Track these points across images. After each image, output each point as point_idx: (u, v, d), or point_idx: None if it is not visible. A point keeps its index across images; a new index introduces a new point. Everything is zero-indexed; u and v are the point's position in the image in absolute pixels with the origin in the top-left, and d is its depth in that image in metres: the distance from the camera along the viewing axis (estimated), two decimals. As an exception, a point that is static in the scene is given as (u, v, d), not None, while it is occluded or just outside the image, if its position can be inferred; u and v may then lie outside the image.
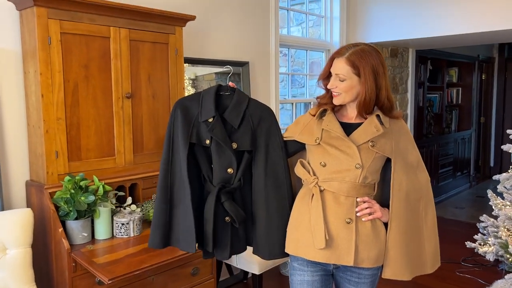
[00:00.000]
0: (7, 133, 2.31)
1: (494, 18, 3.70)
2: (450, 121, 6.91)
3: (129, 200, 2.46)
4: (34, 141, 2.27)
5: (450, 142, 6.57)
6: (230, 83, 1.74)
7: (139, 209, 2.45)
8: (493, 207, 2.98)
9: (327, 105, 1.69)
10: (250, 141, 1.67)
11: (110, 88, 2.40)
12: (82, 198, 2.15)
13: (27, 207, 2.34)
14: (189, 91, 3.11)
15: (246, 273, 3.46)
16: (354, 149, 1.58)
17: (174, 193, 1.70)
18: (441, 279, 3.55)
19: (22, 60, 2.30)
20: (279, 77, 3.86)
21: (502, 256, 2.82)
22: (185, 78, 3.03)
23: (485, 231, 3.06)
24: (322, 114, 1.69)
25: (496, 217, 2.95)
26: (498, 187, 3.03)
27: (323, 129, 1.65)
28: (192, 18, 2.74)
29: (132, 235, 2.33)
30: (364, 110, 1.61)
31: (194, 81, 3.21)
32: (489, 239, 2.90)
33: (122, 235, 2.31)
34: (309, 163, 1.69)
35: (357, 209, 1.59)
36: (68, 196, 2.14)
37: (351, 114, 1.69)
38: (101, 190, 2.25)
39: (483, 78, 7.30)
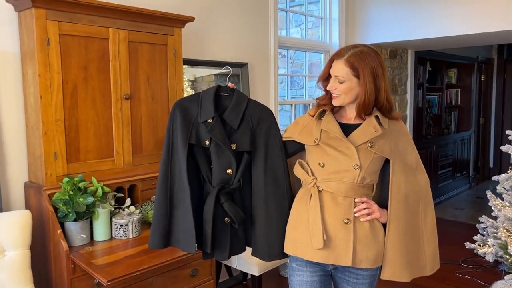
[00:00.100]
0: (6, 135, 2.31)
1: (493, 19, 3.71)
2: (449, 122, 6.92)
3: (128, 201, 2.46)
4: (33, 142, 2.26)
5: (450, 143, 6.57)
6: (230, 84, 1.74)
7: (138, 211, 2.45)
8: (493, 208, 2.97)
9: (326, 106, 1.70)
10: (249, 141, 1.67)
11: (109, 89, 2.40)
12: (81, 199, 2.15)
13: (26, 208, 2.33)
14: (188, 92, 3.11)
15: (245, 274, 3.45)
16: (352, 150, 1.58)
17: (174, 194, 1.70)
18: (441, 280, 3.54)
19: (21, 61, 2.30)
20: (278, 78, 3.86)
21: (501, 257, 2.81)
22: (184, 79, 3.03)
23: (484, 232, 3.05)
24: (321, 114, 1.70)
25: (495, 218, 2.95)
26: (497, 188, 3.02)
27: (322, 129, 1.65)
28: (191, 19, 2.74)
29: (131, 236, 2.32)
30: (363, 111, 1.61)
31: (194, 82, 3.21)
32: (489, 240, 2.89)
33: (121, 236, 2.31)
34: (308, 164, 1.69)
35: (355, 210, 1.59)
36: (67, 197, 2.14)
37: (350, 115, 1.69)
38: (100, 192, 2.24)
39: (482, 79, 7.31)
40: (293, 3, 4.68)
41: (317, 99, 1.75)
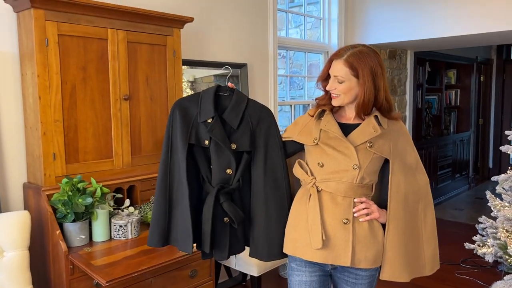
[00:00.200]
0: (5, 135, 2.31)
1: (492, 19, 3.71)
2: (448, 123, 6.92)
3: (127, 202, 2.45)
4: (32, 143, 2.26)
5: (449, 143, 6.58)
6: (229, 84, 1.74)
7: (137, 211, 2.44)
8: (492, 208, 2.97)
9: (325, 106, 1.70)
10: (249, 141, 1.67)
11: (108, 90, 2.40)
12: (80, 200, 2.15)
13: (25, 209, 2.33)
14: (187, 93, 3.11)
15: (245, 275, 3.45)
16: (351, 150, 1.58)
17: (173, 194, 1.70)
18: (440, 280, 3.54)
19: (20, 62, 2.29)
20: (278, 79, 3.86)
21: (501, 257, 2.81)
22: (184, 80, 3.03)
23: (484, 233, 3.05)
24: (321, 114, 1.70)
25: (495, 218, 2.95)
26: (496, 188, 3.02)
27: (321, 129, 1.65)
28: (190, 20, 2.74)
29: (130, 237, 2.32)
30: (363, 111, 1.61)
31: (193, 83, 3.21)
32: (488, 240, 2.89)
33: (120, 237, 2.31)
34: (307, 164, 1.69)
35: (354, 210, 1.59)
36: (66, 198, 2.13)
37: (349, 115, 1.69)
38: (98, 192, 2.24)
39: (482, 79, 7.31)
40: (292, 3, 4.68)
41: (316, 99, 1.76)
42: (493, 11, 3.69)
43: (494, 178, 3.01)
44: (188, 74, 3.15)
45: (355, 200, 1.60)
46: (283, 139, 1.75)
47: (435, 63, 6.32)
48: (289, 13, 4.32)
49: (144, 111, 2.57)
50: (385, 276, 1.60)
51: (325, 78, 1.68)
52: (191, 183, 1.66)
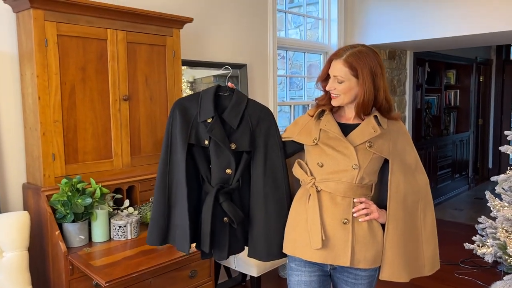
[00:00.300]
0: (4, 136, 2.31)
1: (492, 19, 3.71)
2: (448, 123, 6.92)
3: (127, 202, 2.45)
4: (31, 143, 2.26)
5: (449, 144, 6.58)
6: (229, 84, 1.74)
7: (136, 212, 2.44)
8: (491, 208, 2.97)
9: (325, 106, 1.70)
10: (248, 141, 1.67)
11: (107, 90, 2.40)
12: (79, 200, 2.15)
13: (24, 210, 2.33)
14: (187, 94, 3.11)
15: (244, 275, 3.45)
16: (351, 150, 1.58)
17: (172, 193, 1.70)
18: (440, 280, 3.54)
19: (19, 62, 2.29)
20: (277, 79, 3.86)
21: (500, 257, 2.81)
22: (183, 81, 3.03)
23: (483, 233, 3.05)
24: (321, 114, 1.70)
25: (494, 219, 2.95)
26: (496, 188, 3.02)
27: (321, 129, 1.65)
28: (190, 20, 2.74)
29: (129, 237, 2.32)
30: (362, 111, 1.61)
31: (193, 84, 3.21)
32: (488, 240, 2.89)
33: (119, 237, 2.30)
34: (306, 164, 1.69)
35: (353, 210, 1.59)
36: (65, 198, 2.13)
37: (349, 115, 1.69)
38: (98, 193, 2.24)
39: (481, 80, 7.32)
40: (292, 4, 4.68)
41: (316, 99, 1.76)
42: (492, 11, 3.69)
43: (493, 178, 3.01)
44: (188, 74, 3.15)
45: (355, 200, 1.60)
46: (283, 139, 1.75)
47: (434, 63, 6.33)
48: (289, 14, 4.32)
49: (143, 112, 2.57)
50: (384, 276, 1.60)
51: (325, 78, 1.68)
52: (190, 183, 1.66)
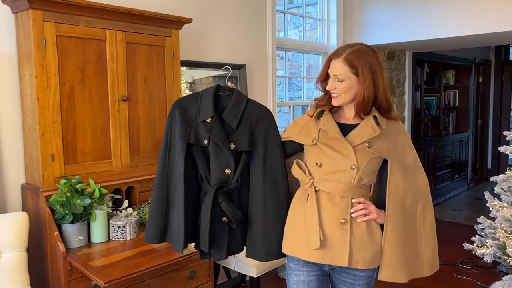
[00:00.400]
0: (3, 136, 2.30)
1: (491, 20, 3.71)
2: (447, 124, 6.92)
3: (126, 203, 2.45)
4: (30, 144, 2.26)
5: (448, 144, 6.58)
6: (229, 84, 1.74)
7: (135, 212, 2.44)
8: (491, 208, 2.97)
9: (325, 107, 1.70)
10: (248, 141, 1.67)
11: (106, 91, 2.40)
12: (78, 201, 2.14)
13: (23, 210, 2.32)
14: (186, 94, 3.11)
15: (244, 276, 3.45)
16: (350, 150, 1.58)
17: (171, 192, 1.71)
18: (439, 281, 3.54)
19: (18, 63, 2.29)
20: (277, 80, 3.86)
21: (500, 257, 2.81)
22: (182, 81, 3.03)
23: (482, 233, 3.05)
24: (320, 115, 1.70)
25: (493, 219, 2.95)
26: (495, 188, 3.02)
27: (320, 129, 1.65)
28: (189, 20, 2.74)
29: (128, 238, 2.31)
30: (362, 109, 1.61)
31: (192, 84, 3.21)
32: (487, 240, 2.89)
33: (118, 238, 2.30)
34: (305, 164, 1.69)
35: (352, 210, 1.59)
36: (64, 199, 2.13)
37: (348, 115, 1.69)
38: (97, 193, 2.24)
39: (480, 80, 7.32)
40: (291, 4, 4.68)
41: (315, 99, 1.75)
42: (491, 12, 3.70)
43: (492, 179, 3.01)
44: (187, 75, 3.15)
45: (353, 200, 1.60)
46: (282, 139, 1.75)
47: (433, 64, 6.33)
48: (288, 14, 4.32)
49: (142, 112, 2.57)
50: (383, 276, 1.60)
51: (324, 78, 1.68)
52: (188, 183, 1.66)
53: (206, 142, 1.66)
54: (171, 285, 2.39)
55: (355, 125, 1.64)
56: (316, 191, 1.61)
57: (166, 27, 2.64)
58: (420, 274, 1.66)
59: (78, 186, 2.18)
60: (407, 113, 5.39)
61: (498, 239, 2.79)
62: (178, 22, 2.70)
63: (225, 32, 3.38)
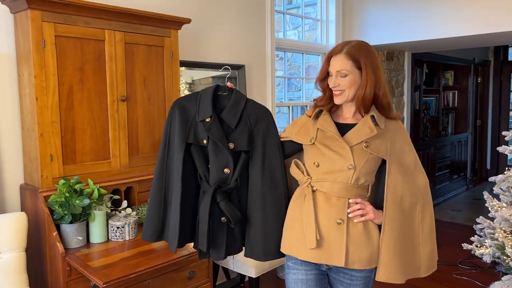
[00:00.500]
0: (1, 137, 2.30)
1: (489, 21, 3.72)
2: (446, 124, 6.93)
3: (125, 203, 2.45)
4: (29, 144, 2.25)
5: (447, 145, 6.58)
6: (228, 84, 1.74)
7: (134, 213, 2.44)
8: (490, 208, 2.97)
9: (323, 107, 1.69)
10: (247, 141, 1.67)
11: (105, 91, 2.39)
12: (77, 201, 2.14)
13: (22, 210, 2.32)
14: (185, 95, 3.11)
15: (243, 276, 3.44)
16: (347, 150, 1.58)
17: (169, 191, 1.71)
18: (438, 281, 3.54)
19: (16, 63, 2.29)
20: (276, 80, 3.86)
21: (499, 258, 2.81)
22: (182, 82, 3.03)
23: (481, 233, 3.05)
24: (318, 115, 1.70)
25: (492, 219, 2.95)
26: (494, 188, 3.02)
27: (318, 128, 1.65)
28: (187, 21, 2.74)
29: (127, 238, 2.31)
30: (364, 104, 1.60)
31: (191, 85, 3.21)
32: (486, 241, 2.89)
33: (117, 238, 2.30)
34: (304, 164, 1.69)
35: (349, 210, 1.58)
36: (63, 199, 2.13)
37: (346, 115, 1.69)
38: (96, 194, 2.23)
39: (479, 81, 7.33)
40: (290, 5, 4.68)
41: (314, 99, 1.75)
42: (490, 12, 3.70)
43: (491, 179, 3.01)
44: (186, 75, 3.15)
45: (350, 201, 1.59)
46: (282, 139, 1.75)
47: (432, 64, 6.34)
48: (287, 15, 4.32)
49: (141, 112, 2.57)
50: (380, 277, 1.59)
51: (324, 77, 1.67)
52: (187, 182, 1.66)
53: (205, 141, 1.66)
54: (170, 285, 2.39)
55: (353, 125, 1.64)
56: (313, 191, 1.61)
57: (165, 27, 2.64)
58: (417, 275, 1.65)
59: (77, 187, 2.17)
60: (406, 113, 5.39)
61: (497, 239, 2.79)
62: (177, 23, 2.70)
63: (224, 33, 3.38)
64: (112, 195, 2.42)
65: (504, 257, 2.76)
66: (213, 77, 3.32)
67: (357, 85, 1.61)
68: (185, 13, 2.96)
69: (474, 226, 3.14)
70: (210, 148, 1.66)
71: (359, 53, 1.59)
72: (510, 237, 2.76)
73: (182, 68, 3.05)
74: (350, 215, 1.58)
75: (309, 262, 1.66)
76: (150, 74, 2.60)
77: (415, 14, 4.14)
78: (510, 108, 7.36)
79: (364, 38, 4.44)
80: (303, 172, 1.66)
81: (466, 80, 6.96)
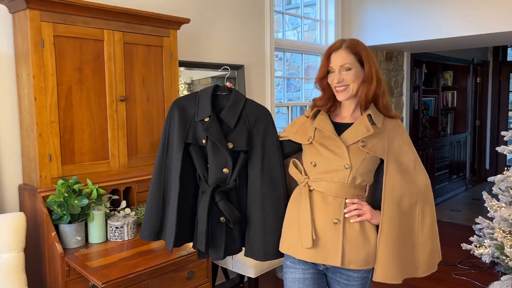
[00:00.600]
0: (0, 137, 2.29)
1: (488, 21, 3.72)
2: (445, 124, 6.93)
3: (123, 203, 2.45)
4: (27, 144, 2.25)
5: (446, 145, 6.59)
6: (228, 84, 1.74)
7: (133, 213, 2.43)
8: (489, 209, 2.97)
9: (322, 107, 1.69)
10: (246, 141, 1.67)
11: (104, 91, 2.39)
12: (76, 201, 2.14)
13: (20, 211, 2.32)
14: (184, 95, 3.10)
15: (242, 276, 3.44)
16: (343, 149, 1.58)
17: (167, 190, 1.71)
18: (437, 281, 3.54)
19: (15, 63, 2.29)
20: (275, 80, 3.86)
21: (498, 257, 2.81)
22: (181, 82, 3.03)
23: (481, 233, 3.05)
24: (316, 114, 1.70)
25: (491, 219, 2.95)
26: (493, 189, 3.02)
27: (316, 128, 1.65)
28: (186, 21, 2.74)
29: (126, 238, 2.31)
30: (367, 99, 1.61)
31: (190, 85, 3.21)
32: (485, 241, 2.89)
33: (116, 238, 2.30)
34: (302, 163, 1.69)
35: (345, 210, 1.57)
36: (62, 199, 2.12)
37: (345, 114, 1.69)
38: (94, 194, 2.23)
39: (478, 81, 7.34)
40: (289, 5, 4.68)
41: (314, 99, 1.75)
42: (489, 12, 3.71)
43: (490, 179, 3.01)
44: (185, 76, 3.15)
45: (347, 201, 1.58)
46: (281, 139, 1.75)
47: (431, 64, 6.34)
48: (286, 15, 4.32)
49: (140, 112, 2.56)
50: (377, 277, 1.57)
51: (323, 76, 1.66)
52: (186, 182, 1.66)
53: (204, 141, 1.66)
54: (169, 285, 2.38)
55: (351, 124, 1.63)
56: (310, 191, 1.61)
57: (164, 27, 2.63)
58: (415, 274, 1.63)
59: (75, 187, 2.17)
60: (405, 113, 5.39)
61: (496, 239, 2.79)
62: (176, 22, 2.70)
63: (223, 33, 3.38)
64: (111, 195, 2.41)
65: (503, 257, 2.76)
66: (212, 77, 3.32)
67: (360, 80, 1.61)
68: (184, 13, 2.95)
69: (473, 226, 3.14)
70: (209, 148, 1.66)
71: (359, 47, 1.61)
72: (509, 237, 2.76)
73: (181, 68, 3.05)
74: (346, 215, 1.57)
75: (307, 261, 1.65)
76: (149, 74, 2.59)
77: (414, 15, 4.15)
78: (509, 108, 7.36)
79: (363, 38, 4.44)
80: (301, 172, 1.66)
81: (465, 80, 6.96)
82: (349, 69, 1.60)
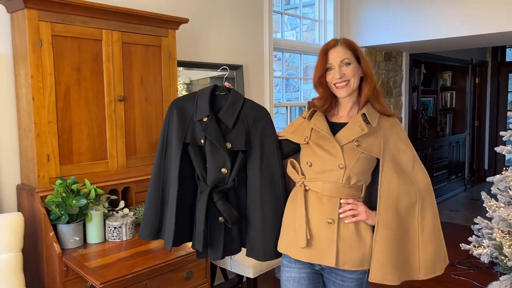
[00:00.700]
0: (-2, 137, 2.29)
1: (487, 21, 3.72)
2: (444, 125, 6.94)
3: (122, 203, 2.44)
4: (25, 144, 2.25)
5: (445, 145, 6.59)
6: (226, 84, 1.74)
7: (131, 213, 2.43)
8: (487, 209, 2.97)
9: (319, 108, 1.69)
10: (244, 141, 1.67)
11: (103, 91, 2.39)
12: (74, 201, 2.13)
13: (18, 211, 2.31)
14: (183, 95, 3.10)
15: (241, 277, 3.44)
16: (337, 149, 1.57)
17: (166, 190, 1.71)
18: (436, 281, 3.53)
19: (13, 63, 2.28)
20: (274, 81, 3.86)
21: (496, 258, 2.81)
22: (179, 82, 3.03)
23: (479, 233, 3.05)
24: (312, 115, 1.70)
25: (490, 219, 2.95)
26: (492, 189, 3.02)
27: (312, 128, 1.65)
28: (185, 21, 2.74)
29: (124, 239, 2.30)
30: (369, 95, 1.62)
31: (189, 85, 3.20)
32: (484, 241, 2.89)
33: (114, 239, 2.29)
34: (299, 163, 1.69)
35: (340, 210, 1.56)
36: (60, 199, 2.12)
37: (341, 113, 1.69)
38: (93, 194, 2.23)
39: (477, 82, 7.34)
40: (288, 5, 4.68)
41: (311, 100, 1.74)
42: (488, 13, 3.71)
43: (489, 179, 3.01)
44: (184, 76, 3.15)
45: (342, 201, 1.57)
46: (279, 138, 1.75)
47: (430, 65, 6.34)
48: (285, 15, 4.32)
49: (139, 112, 2.56)
50: (373, 278, 1.55)
51: (321, 75, 1.65)
52: (184, 182, 1.66)
53: (202, 141, 1.66)
54: (167, 285, 2.38)
55: (347, 124, 1.63)
56: (305, 190, 1.61)
57: (163, 27, 2.63)
58: (415, 277, 1.60)
59: (73, 187, 2.17)
60: (404, 114, 5.39)
61: (495, 239, 2.79)
62: (174, 22, 2.69)
63: (222, 33, 3.38)
64: (109, 195, 2.41)
65: (502, 257, 2.76)
66: (211, 78, 3.32)
67: (358, 75, 1.63)
68: (183, 13, 2.95)
69: (472, 227, 3.14)
70: (207, 148, 1.66)
71: (354, 44, 1.65)
72: (507, 237, 2.76)
73: (180, 69, 3.04)
74: (341, 216, 1.56)
75: (303, 261, 1.65)
76: (147, 74, 2.59)
77: (413, 15, 4.15)
78: (508, 108, 7.37)
79: (362, 38, 4.46)
80: (298, 172, 1.66)
81: (464, 80, 6.97)
82: (349, 63, 1.62)
